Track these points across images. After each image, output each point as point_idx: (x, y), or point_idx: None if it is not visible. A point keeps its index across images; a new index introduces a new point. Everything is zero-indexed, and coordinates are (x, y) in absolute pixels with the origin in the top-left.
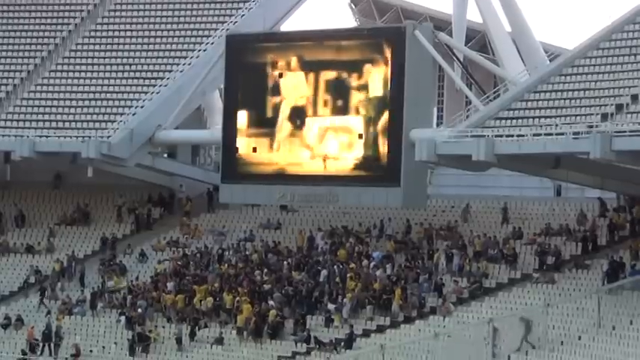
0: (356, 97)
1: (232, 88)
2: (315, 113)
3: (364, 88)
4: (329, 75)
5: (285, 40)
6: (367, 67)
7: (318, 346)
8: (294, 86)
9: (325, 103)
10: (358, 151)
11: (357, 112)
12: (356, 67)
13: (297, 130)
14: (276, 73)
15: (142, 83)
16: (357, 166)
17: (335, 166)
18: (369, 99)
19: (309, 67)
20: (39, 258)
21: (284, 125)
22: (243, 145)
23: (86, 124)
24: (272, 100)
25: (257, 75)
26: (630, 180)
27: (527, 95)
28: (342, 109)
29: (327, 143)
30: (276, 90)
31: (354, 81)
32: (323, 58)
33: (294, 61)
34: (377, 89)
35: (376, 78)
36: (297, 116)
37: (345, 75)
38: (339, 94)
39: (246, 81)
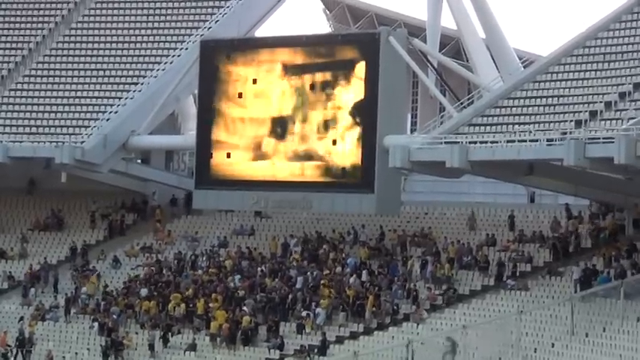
0: (329, 103)
1: (206, 94)
2: (288, 119)
3: (338, 93)
4: (302, 80)
5: (259, 46)
6: (341, 72)
7: (293, 353)
8: (267, 92)
9: (298, 108)
10: (332, 157)
11: (331, 117)
12: (330, 73)
13: (270, 135)
14: (250, 78)
15: (116, 89)
16: (330, 173)
17: (309, 173)
18: (342, 105)
19: (283, 73)
20: (12, 263)
21: (257, 131)
22: (217, 150)
23: (60, 129)
24: (246, 106)
25: (230, 81)
26: (604, 187)
27: (501, 102)
28: (315, 115)
29: (300, 149)
30: (249, 95)
31: (327, 87)
32: (297, 63)
33: (267, 66)
34: (351, 95)
35: (350, 84)
36: (270, 122)
37: (318, 81)
38: (313, 99)
39: (220, 87)
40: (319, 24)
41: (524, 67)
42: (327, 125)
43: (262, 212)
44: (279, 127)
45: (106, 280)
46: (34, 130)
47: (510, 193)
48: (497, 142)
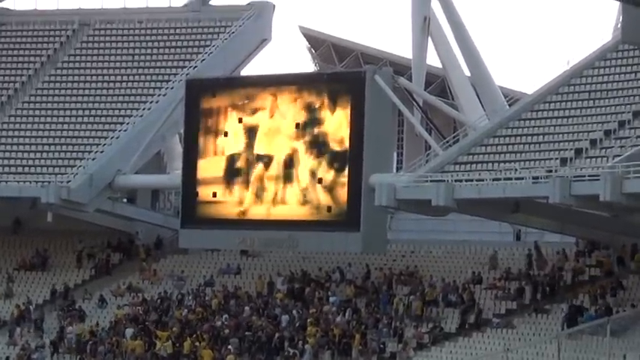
0: (315, 142)
1: (192, 133)
2: (274, 158)
3: (324, 132)
4: (288, 119)
5: (244, 85)
6: (327, 111)
7: None
8: (252, 131)
9: (284, 148)
10: (318, 196)
11: (317, 156)
12: (316, 111)
13: (257, 175)
14: (236, 117)
15: (102, 128)
16: (316, 212)
17: (295, 212)
18: (328, 143)
19: (268, 112)
20: None
21: (244, 170)
22: (203, 190)
23: (46, 169)
24: (232, 145)
25: (216, 120)
26: (590, 224)
27: (487, 140)
28: (301, 154)
29: (286, 188)
30: (236, 135)
31: (313, 125)
32: (283, 102)
33: (253, 105)
34: (337, 134)
35: (336, 122)
36: (257, 161)
37: (304, 119)
38: (299, 138)
39: (206, 126)
40: (305, 63)
41: (510, 105)
42: (312, 163)
43: (248, 251)
44: (266, 166)
45: (92, 320)
46: (19, 169)
47: (496, 231)
48: (482, 181)
